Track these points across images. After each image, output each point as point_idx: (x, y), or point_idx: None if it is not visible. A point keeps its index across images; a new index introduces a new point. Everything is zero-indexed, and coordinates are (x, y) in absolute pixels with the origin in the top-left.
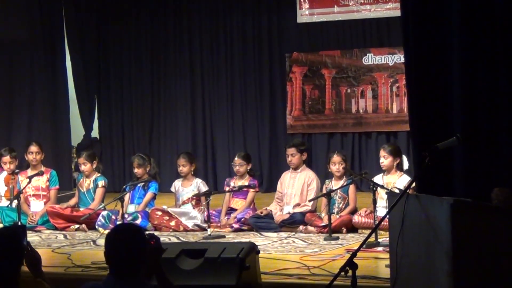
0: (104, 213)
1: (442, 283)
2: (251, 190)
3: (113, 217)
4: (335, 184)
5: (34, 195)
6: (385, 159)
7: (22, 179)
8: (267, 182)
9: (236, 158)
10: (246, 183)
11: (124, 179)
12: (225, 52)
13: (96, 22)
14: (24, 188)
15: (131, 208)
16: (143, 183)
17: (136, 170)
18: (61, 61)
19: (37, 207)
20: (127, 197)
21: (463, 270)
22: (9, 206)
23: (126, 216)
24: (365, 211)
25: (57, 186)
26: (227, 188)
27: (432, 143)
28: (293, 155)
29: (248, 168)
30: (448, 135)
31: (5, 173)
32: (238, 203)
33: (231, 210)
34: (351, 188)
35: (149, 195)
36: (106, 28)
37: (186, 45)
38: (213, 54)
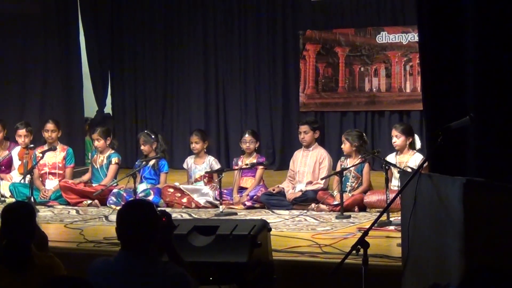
0: (115, 191)
1: (454, 262)
2: (260, 167)
3: (124, 194)
4: (350, 162)
5: (50, 173)
6: (397, 139)
7: (39, 154)
8: (280, 160)
9: (246, 135)
10: (254, 161)
11: (136, 155)
12: (239, 29)
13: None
14: (37, 163)
15: (141, 187)
16: (152, 163)
17: (142, 147)
18: (74, 36)
19: (52, 185)
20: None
21: (475, 249)
22: (22, 181)
23: (138, 192)
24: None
25: (73, 164)
26: (236, 167)
27: (445, 123)
28: (305, 133)
29: (257, 145)
30: (461, 114)
31: (19, 148)
32: (248, 182)
33: (241, 189)
34: (366, 168)
35: (163, 176)
36: (120, 3)
37: (200, 22)
38: (227, 31)
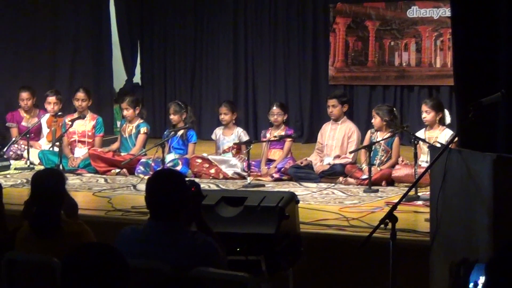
0: (143, 160)
1: (482, 237)
2: (288, 139)
3: (152, 164)
4: (380, 135)
5: (79, 141)
6: (427, 114)
7: (68, 122)
8: (308, 133)
9: (274, 108)
10: (283, 133)
11: (165, 125)
12: (269, 1)
13: None
14: (66, 131)
15: (170, 157)
16: (181, 133)
17: (172, 117)
18: (104, 5)
19: (81, 153)
20: (167, 144)
21: (503, 225)
22: (51, 149)
23: (166, 162)
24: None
25: (102, 133)
26: (264, 138)
27: (476, 98)
28: (334, 106)
29: (285, 118)
30: (492, 90)
31: (48, 115)
32: (276, 154)
33: (269, 161)
34: (396, 142)
35: (191, 146)
36: None
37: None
38: (257, 3)
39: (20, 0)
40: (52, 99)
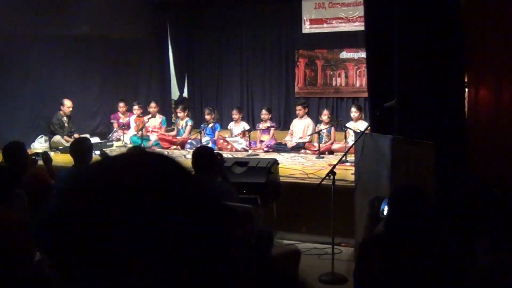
0: (189, 141)
1: (385, 183)
2: (272, 128)
3: (194, 143)
4: (323, 126)
5: (152, 131)
6: (356, 113)
7: (146, 120)
8: (284, 124)
9: (263, 110)
10: (269, 125)
11: (201, 121)
12: (262, 53)
13: (187, 34)
14: (144, 125)
15: (204, 139)
16: (211, 125)
17: (206, 116)
18: (165, 54)
19: (153, 138)
20: (203, 131)
21: (397, 176)
22: (136, 135)
23: (203, 141)
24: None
25: (165, 126)
26: (258, 128)
27: (380, 104)
28: (300, 110)
29: (270, 116)
30: (390, 99)
31: (134, 116)
32: (265, 137)
33: (261, 141)
34: (332, 130)
35: (217, 133)
36: (197, 39)
37: (237, 52)
38: (255, 56)
39: (122, 57)
40: (136, 107)
